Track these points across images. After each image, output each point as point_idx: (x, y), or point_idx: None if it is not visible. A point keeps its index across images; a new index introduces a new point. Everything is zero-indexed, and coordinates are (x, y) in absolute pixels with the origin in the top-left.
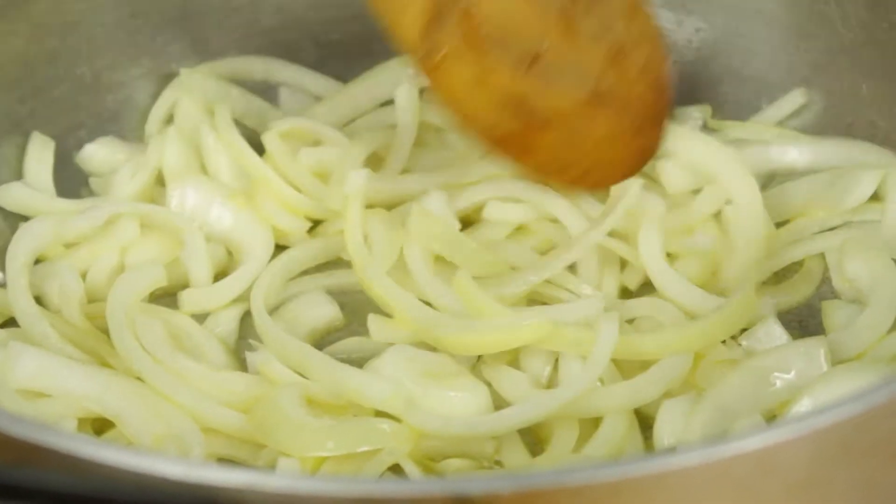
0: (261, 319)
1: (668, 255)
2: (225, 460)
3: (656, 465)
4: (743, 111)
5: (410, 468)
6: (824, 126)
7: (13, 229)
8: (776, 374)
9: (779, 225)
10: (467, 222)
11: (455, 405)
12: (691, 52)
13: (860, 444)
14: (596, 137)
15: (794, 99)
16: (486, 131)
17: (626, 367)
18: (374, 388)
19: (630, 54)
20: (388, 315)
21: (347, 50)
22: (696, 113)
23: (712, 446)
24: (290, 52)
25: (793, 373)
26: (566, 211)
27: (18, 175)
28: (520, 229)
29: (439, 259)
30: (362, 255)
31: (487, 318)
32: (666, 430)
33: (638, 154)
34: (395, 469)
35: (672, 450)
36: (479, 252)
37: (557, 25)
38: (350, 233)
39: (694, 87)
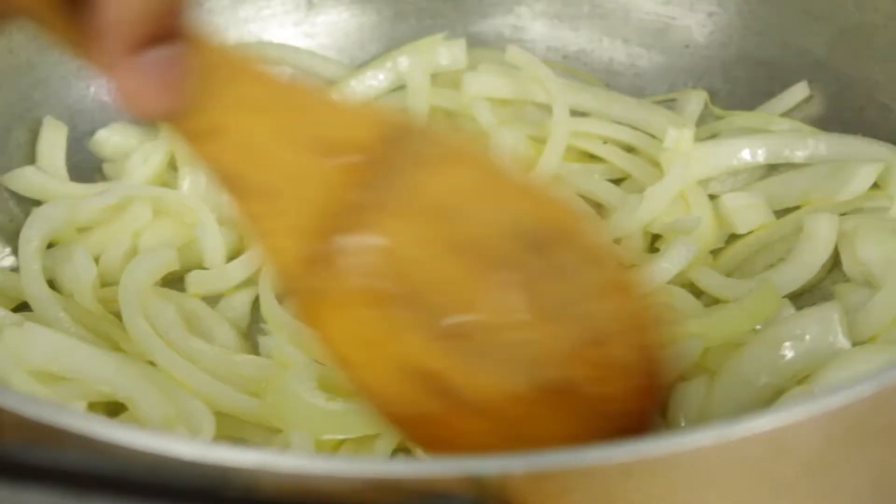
0: (268, 303)
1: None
2: (237, 441)
3: (670, 445)
4: (756, 96)
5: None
6: (836, 111)
7: (26, 213)
8: (790, 342)
9: (778, 214)
10: None
11: None
12: (704, 36)
13: (873, 425)
14: (547, 436)
15: (799, 91)
16: (394, 408)
17: None
18: None
19: (603, 342)
20: None
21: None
22: (694, 101)
23: (725, 427)
24: (305, 38)
25: (807, 338)
26: None
27: (31, 160)
28: None
29: None
30: None
31: None
32: (681, 412)
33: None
34: (408, 450)
35: (685, 430)
36: None
37: (499, 289)
38: None
39: (706, 71)
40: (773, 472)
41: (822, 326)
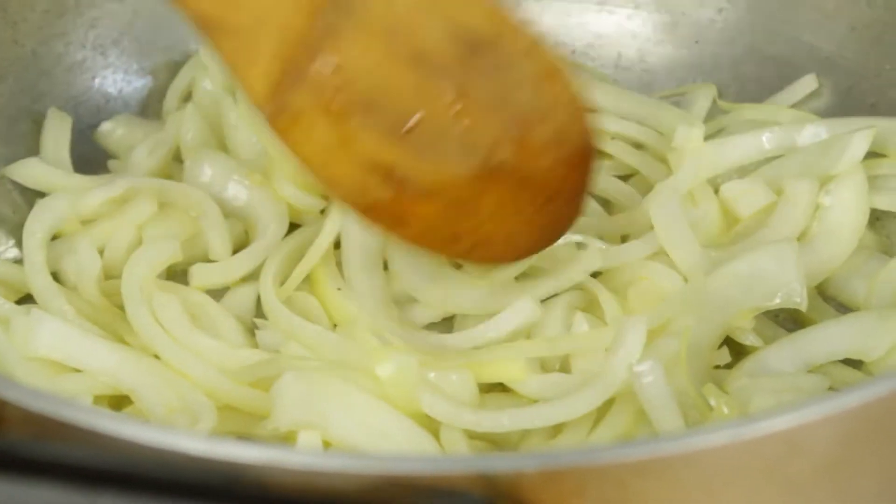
0: (268, 299)
1: None
2: (243, 437)
3: (684, 444)
4: (765, 91)
5: (434, 446)
6: (847, 106)
7: (30, 205)
8: (747, 276)
9: None
10: None
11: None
12: (714, 31)
13: (890, 424)
14: (486, 212)
15: (807, 84)
16: (350, 197)
17: None
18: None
19: (537, 125)
20: None
21: None
22: (703, 96)
23: (740, 426)
24: None
25: (766, 275)
26: None
27: (35, 151)
28: None
29: None
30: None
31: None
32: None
33: (544, 230)
34: None
35: (700, 430)
36: None
37: (443, 91)
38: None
39: (716, 67)
40: (788, 472)
41: (779, 262)
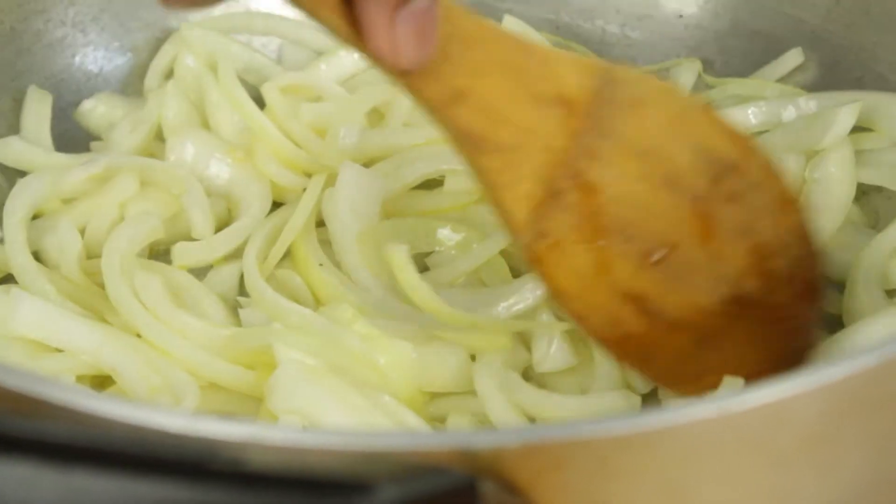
0: (251, 278)
1: None
2: (225, 415)
3: (667, 418)
4: (750, 65)
5: (415, 421)
6: (833, 80)
7: (11, 184)
8: None
9: None
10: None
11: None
12: (698, 6)
13: (874, 397)
14: (737, 342)
15: (793, 58)
16: (602, 330)
17: None
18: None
19: (776, 255)
20: None
21: None
22: (687, 71)
23: (724, 399)
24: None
25: None
26: None
27: (15, 130)
28: None
29: None
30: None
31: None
32: None
33: (783, 360)
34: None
35: (683, 403)
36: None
37: (692, 217)
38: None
39: (701, 40)
40: (773, 445)
41: None
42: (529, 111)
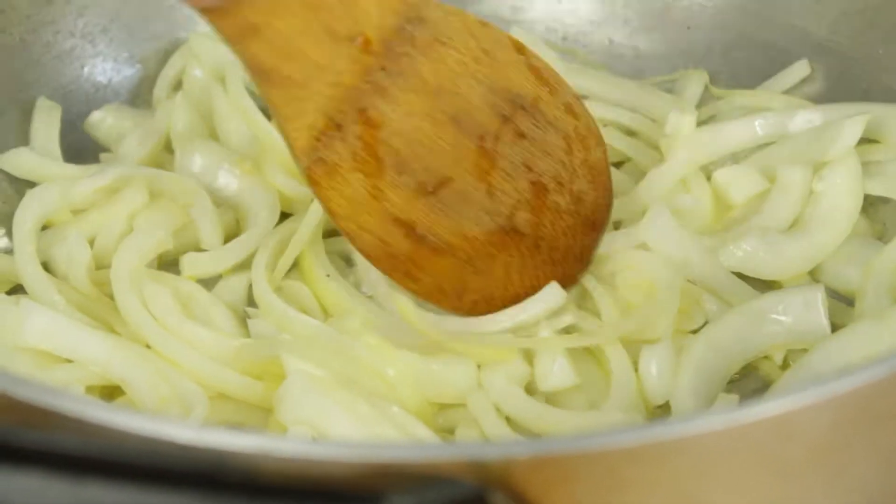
0: (260, 289)
1: None
2: (234, 426)
3: (676, 430)
4: (757, 77)
5: (424, 432)
6: (840, 91)
7: (20, 195)
8: (773, 315)
9: None
10: None
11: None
12: (705, 17)
13: (882, 409)
14: (501, 268)
15: (800, 69)
16: (372, 246)
17: None
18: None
19: (562, 186)
20: None
21: None
22: (694, 82)
23: (732, 412)
24: None
25: (790, 317)
26: None
27: (25, 141)
28: None
29: None
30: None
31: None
32: (654, 369)
33: (547, 284)
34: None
35: (691, 415)
36: None
37: (476, 150)
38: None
39: (707, 52)
40: (780, 457)
41: (806, 308)
42: (322, 48)
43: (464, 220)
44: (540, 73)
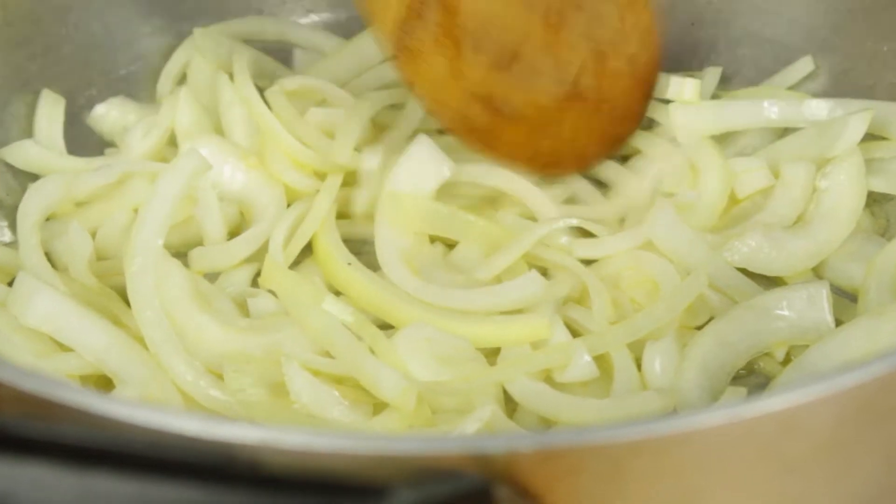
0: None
1: None
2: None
3: (680, 424)
4: (761, 74)
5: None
6: (845, 89)
7: (24, 188)
8: (778, 311)
9: None
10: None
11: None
12: (711, 13)
13: (886, 404)
14: (568, 130)
15: (804, 65)
16: (454, 121)
17: None
18: (386, 382)
19: (618, 50)
20: None
21: None
22: (710, 74)
23: (736, 406)
24: (303, 11)
25: (794, 313)
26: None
27: (29, 133)
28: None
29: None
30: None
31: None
32: (657, 365)
33: (610, 143)
34: None
35: (696, 410)
36: (480, 225)
37: (541, 25)
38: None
39: (712, 49)
40: (784, 452)
41: (810, 305)
42: None
43: (534, 91)
44: None
